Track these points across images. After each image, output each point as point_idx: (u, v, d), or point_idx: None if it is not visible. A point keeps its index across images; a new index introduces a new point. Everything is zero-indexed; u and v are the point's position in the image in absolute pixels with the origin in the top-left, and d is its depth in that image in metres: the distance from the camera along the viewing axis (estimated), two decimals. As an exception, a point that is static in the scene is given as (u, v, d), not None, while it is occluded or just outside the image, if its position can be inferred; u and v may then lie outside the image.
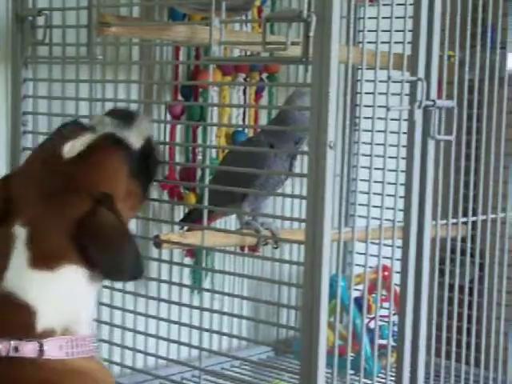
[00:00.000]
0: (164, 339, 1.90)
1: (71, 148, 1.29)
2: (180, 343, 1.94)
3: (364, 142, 1.55)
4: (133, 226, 1.67)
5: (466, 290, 1.91)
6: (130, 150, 1.35)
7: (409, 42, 1.54)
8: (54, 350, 1.22)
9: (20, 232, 1.24)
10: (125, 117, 1.40)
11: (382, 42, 1.52)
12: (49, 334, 1.23)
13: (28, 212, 1.25)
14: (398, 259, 1.59)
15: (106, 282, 1.44)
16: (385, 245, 1.58)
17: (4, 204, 1.28)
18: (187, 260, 2.14)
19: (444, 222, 1.74)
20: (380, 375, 1.87)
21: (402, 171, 1.56)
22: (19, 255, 1.24)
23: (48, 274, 1.23)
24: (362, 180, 1.61)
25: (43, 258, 1.23)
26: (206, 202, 1.61)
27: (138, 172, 1.35)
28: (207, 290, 2.09)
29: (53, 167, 1.29)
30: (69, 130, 1.34)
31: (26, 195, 1.27)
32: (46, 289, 1.23)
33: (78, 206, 1.24)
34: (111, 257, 1.26)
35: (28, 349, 1.21)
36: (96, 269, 1.26)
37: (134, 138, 1.37)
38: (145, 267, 1.31)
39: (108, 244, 1.25)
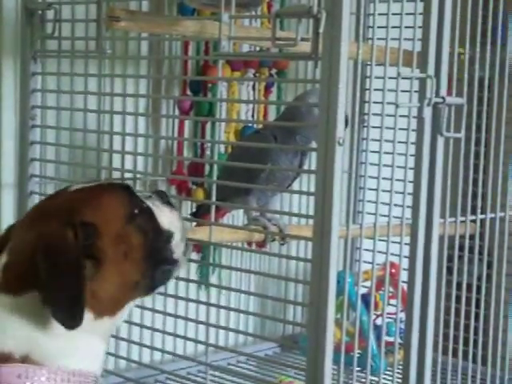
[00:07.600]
0: (170, 334, 1.90)
1: (81, 185, 1.28)
2: (186, 338, 1.93)
3: (373, 139, 1.55)
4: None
5: (474, 288, 1.91)
6: (138, 201, 1.28)
7: (419, 39, 1.54)
8: (9, 376, 1.15)
9: (2, 258, 1.22)
10: (168, 201, 1.34)
11: (392, 39, 1.52)
12: (5, 358, 1.16)
13: (14, 238, 1.24)
14: (405, 256, 1.58)
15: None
16: (393, 242, 1.58)
17: (6, 234, 1.27)
18: (194, 255, 2.13)
19: (452, 219, 1.74)
20: (387, 372, 1.87)
21: (411, 168, 1.55)
22: None
23: (14, 298, 1.19)
24: (370, 177, 1.60)
25: (12, 282, 1.20)
26: (213, 198, 1.61)
27: (147, 241, 1.26)
28: (214, 286, 2.09)
29: (53, 198, 1.28)
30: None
31: (19, 223, 1.27)
32: (9, 313, 1.18)
33: (48, 228, 1.19)
34: (48, 277, 1.15)
35: None
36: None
37: (162, 215, 1.30)
38: (80, 322, 1.16)
39: (51, 265, 1.16)
